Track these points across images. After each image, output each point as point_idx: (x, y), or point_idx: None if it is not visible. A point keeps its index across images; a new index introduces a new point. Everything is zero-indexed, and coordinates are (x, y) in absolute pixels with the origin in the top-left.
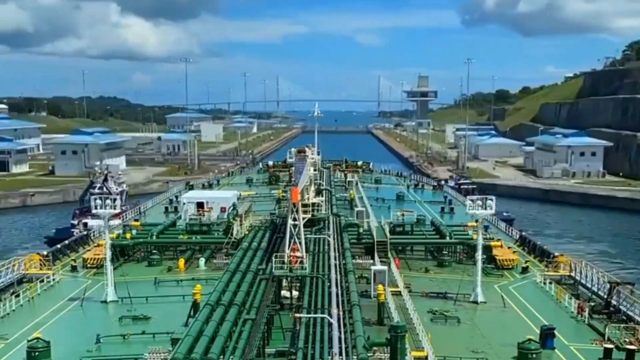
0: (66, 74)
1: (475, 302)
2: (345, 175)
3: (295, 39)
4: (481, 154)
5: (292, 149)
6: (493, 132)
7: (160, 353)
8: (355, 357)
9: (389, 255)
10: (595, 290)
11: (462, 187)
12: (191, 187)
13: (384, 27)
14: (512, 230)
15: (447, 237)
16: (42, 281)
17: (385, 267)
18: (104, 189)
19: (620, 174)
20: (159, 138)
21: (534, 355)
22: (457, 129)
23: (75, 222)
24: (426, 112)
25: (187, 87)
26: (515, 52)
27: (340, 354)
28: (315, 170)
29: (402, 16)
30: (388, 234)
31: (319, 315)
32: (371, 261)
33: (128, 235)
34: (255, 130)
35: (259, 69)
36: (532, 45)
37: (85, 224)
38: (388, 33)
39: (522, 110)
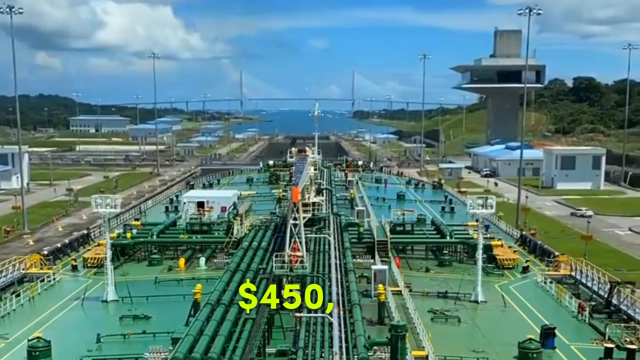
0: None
1: (476, 302)
2: (346, 175)
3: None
4: None
5: (293, 149)
6: None
7: (160, 352)
8: (355, 356)
9: (390, 254)
10: (596, 289)
11: None
12: (192, 187)
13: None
14: (512, 230)
15: (448, 237)
16: (42, 280)
17: (385, 267)
18: None
19: None
20: None
21: (535, 355)
22: None
23: None
24: (515, 117)
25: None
26: None
27: (341, 353)
28: (315, 169)
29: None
30: (388, 234)
31: (320, 314)
32: (372, 260)
33: (128, 235)
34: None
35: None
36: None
37: None
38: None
39: None
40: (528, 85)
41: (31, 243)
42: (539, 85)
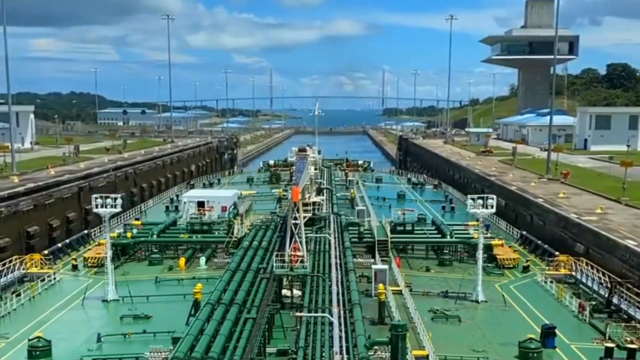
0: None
1: (476, 301)
2: (346, 174)
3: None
4: None
5: (294, 148)
6: None
7: (161, 352)
8: (356, 356)
9: (390, 254)
10: (597, 289)
11: None
12: (192, 186)
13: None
14: (513, 229)
15: (448, 236)
16: (43, 280)
17: (386, 266)
18: None
19: None
20: None
21: (535, 355)
22: None
23: None
24: (547, 90)
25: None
26: None
27: (341, 352)
28: (316, 169)
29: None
30: (389, 233)
31: (320, 314)
32: (372, 260)
33: (129, 235)
34: None
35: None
36: None
37: None
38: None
39: None
40: (561, 56)
41: (16, 181)
42: (572, 57)
